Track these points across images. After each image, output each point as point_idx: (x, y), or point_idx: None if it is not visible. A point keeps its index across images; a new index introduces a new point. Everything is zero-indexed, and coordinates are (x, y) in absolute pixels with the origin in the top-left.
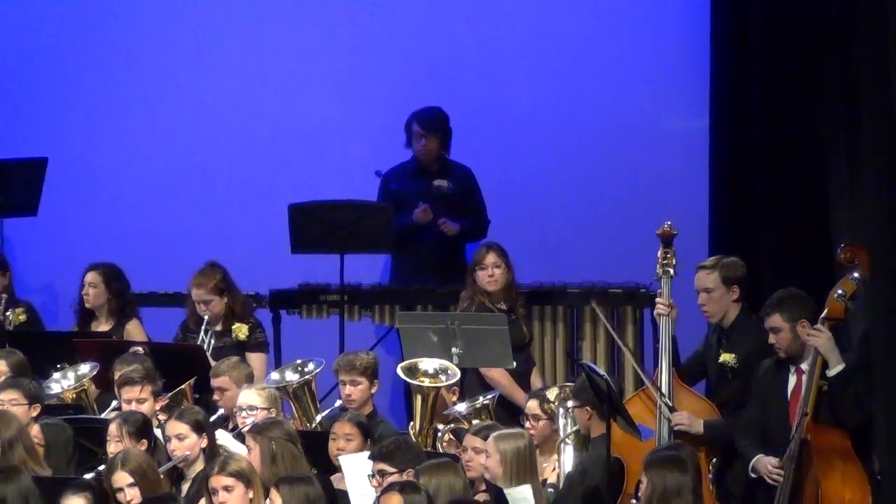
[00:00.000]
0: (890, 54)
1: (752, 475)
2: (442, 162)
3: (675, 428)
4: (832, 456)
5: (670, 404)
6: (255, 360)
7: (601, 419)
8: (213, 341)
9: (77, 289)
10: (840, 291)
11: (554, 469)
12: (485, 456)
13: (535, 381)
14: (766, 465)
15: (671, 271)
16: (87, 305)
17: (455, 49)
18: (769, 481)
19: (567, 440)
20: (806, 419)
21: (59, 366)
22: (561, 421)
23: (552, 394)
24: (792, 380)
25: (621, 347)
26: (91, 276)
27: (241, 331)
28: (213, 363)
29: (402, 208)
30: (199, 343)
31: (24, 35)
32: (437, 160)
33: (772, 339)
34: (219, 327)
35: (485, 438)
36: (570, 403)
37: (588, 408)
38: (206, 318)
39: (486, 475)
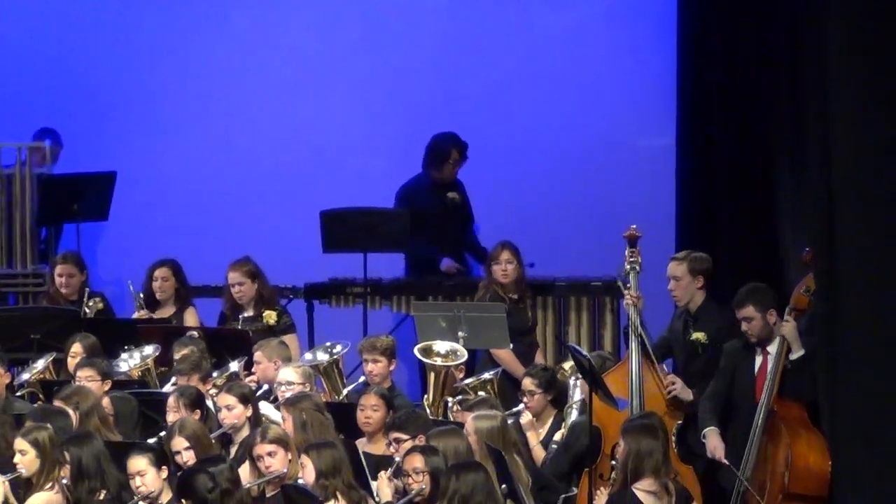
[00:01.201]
0: (829, 89)
1: (703, 440)
2: None
3: (669, 392)
4: (797, 426)
5: (666, 377)
6: (289, 340)
7: (551, 405)
8: (246, 327)
9: (142, 281)
10: (806, 287)
11: (560, 431)
12: None
13: (539, 360)
14: (717, 448)
15: (637, 268)
16: (158, 297)
17: (461, 79)
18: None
19: (574, 406)
20: (773, 393)
21: (126, 347)
22: (570, 389)
23: (567, 365)
24: (758, 360)
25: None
26: (162, 271)
27: (270, 317)
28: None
29: (424, 222)
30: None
31: (95, 71)
32: None
33: (744, 326)
34: (250, 313)
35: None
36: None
37: (535, 396)
38: (241, 303)
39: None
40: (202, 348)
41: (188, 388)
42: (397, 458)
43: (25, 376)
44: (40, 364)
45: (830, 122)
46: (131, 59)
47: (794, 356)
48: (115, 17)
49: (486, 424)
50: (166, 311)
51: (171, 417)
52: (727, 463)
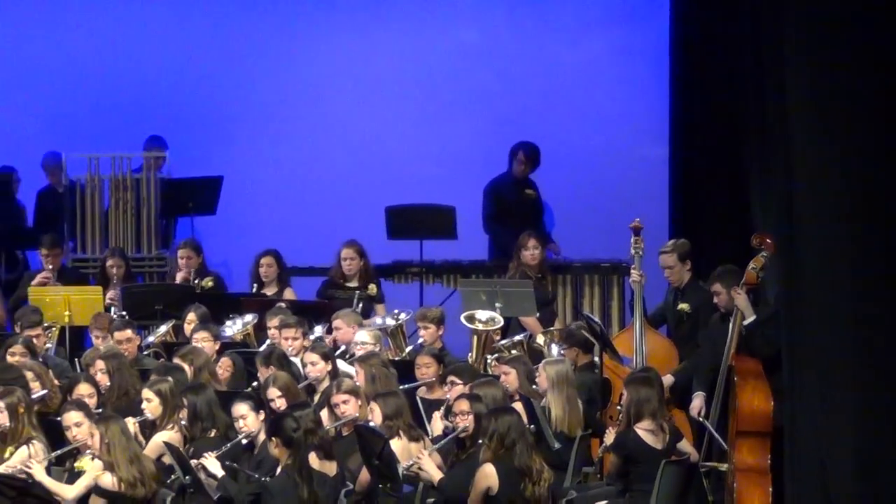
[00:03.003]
0: (788, 107)
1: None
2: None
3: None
4: (748, 376)
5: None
6: (381, 308)
7: (584, 354)
8: (355, 293)
9: (248, 264)
10: (753, 266)
11: None
12: (514, 376)
13: (557, 326)
14: (693, 409)
15: (640, 252)
16: (263, 279)
17: (496, 102)
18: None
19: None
20: (731, 352)
21: (230, 316)
22: (546, 354)
23: (540, 339)
24: (731, 327)
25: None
26: (267, 259)
27: (372, 289)
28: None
29: (504, 211)
30: (344, 295)
31: (207, 93)
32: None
33: (715, 299)
34: (355, 283)
35: (513, 366)
36: (554, 348)
37: (574, 347)
38: (349, 275)
39: (535, 387)
40: (300, 318)
41: (275, 349)
42: (449, 399)
43: (151, 339)
44: (162, 329)
45: (789, 136)
46: (236, 83)
47: (747, 321)
48: (222, 47)
49: (555, 368)
50: (270, 291)
51: (265, 372)
52: (701, 419)
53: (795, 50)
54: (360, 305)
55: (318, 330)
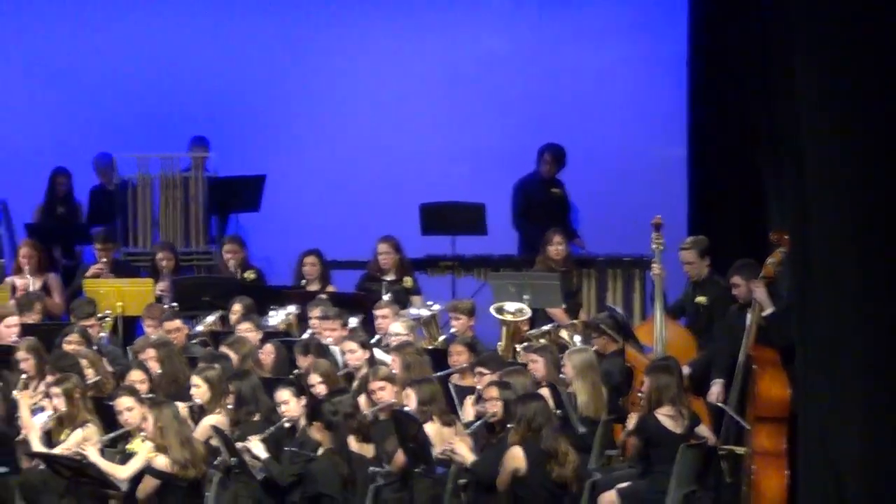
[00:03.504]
0: (801, 114)
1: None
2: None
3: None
4: (766, 364)
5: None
6: (418, 300)
7: (612, 342)
8: (390, 288)
9: (290, 258)
10: (771, 260)
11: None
12: (541, 364)
13: (582, 317)
14: (711, 395)
15: (661, 247)
16: (307, 277)
17: (523, 106)
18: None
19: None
20: (750, 342)
21: (272, 307)
22: (573, 345)
23: (564, 333)
24: (749, 319)
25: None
26: (311, 259)
27: (408, 282)
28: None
29: (531, 208)
30: (381, 288)
31: (252, 95)
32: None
33: (734, 290)
34: (391, 277)
35: (540, 354)
36: (577, 339)
37: (604, 336)
38: (385, 269)
39: (563, 376)
40: (339, 309)
41: (315, 339)
42: (479, 388)
43: (199, 328)
44: (210, 319)
45: (801, 140)
46: (278, 87)
47: (765, 313)
48: (264, 53)
49: (579, 357)
50: (313, 287)
51: (305, 361)
52: (720, 404)
53: (804, 53)
54: (389, 295)
55: (353, 321)
